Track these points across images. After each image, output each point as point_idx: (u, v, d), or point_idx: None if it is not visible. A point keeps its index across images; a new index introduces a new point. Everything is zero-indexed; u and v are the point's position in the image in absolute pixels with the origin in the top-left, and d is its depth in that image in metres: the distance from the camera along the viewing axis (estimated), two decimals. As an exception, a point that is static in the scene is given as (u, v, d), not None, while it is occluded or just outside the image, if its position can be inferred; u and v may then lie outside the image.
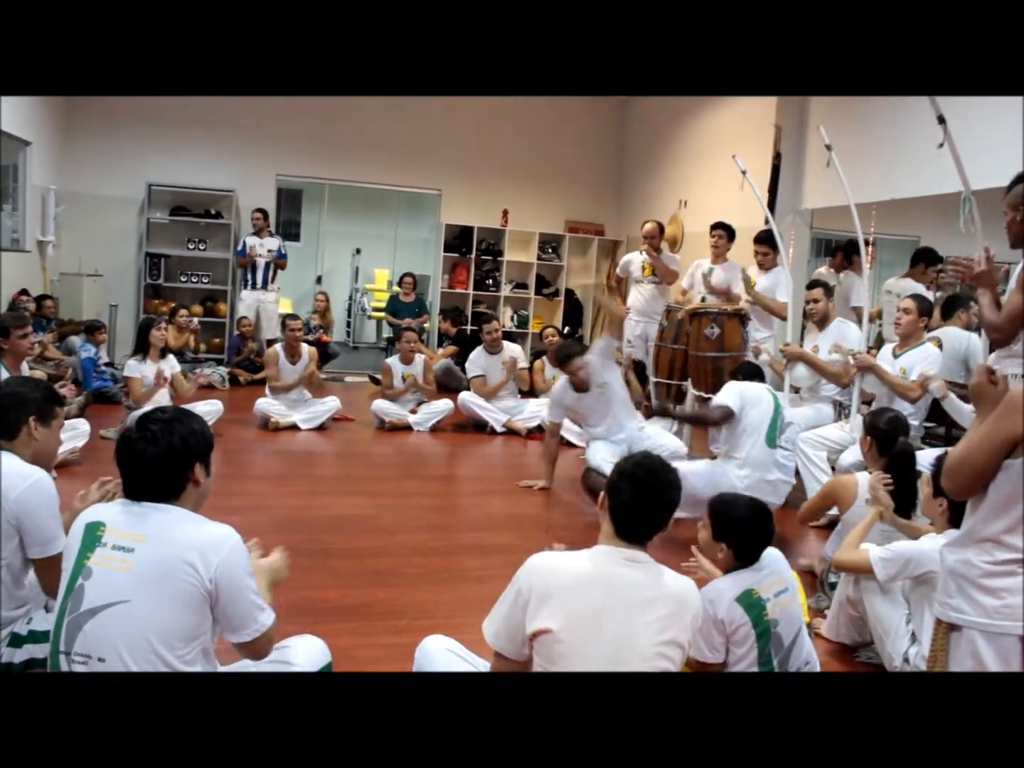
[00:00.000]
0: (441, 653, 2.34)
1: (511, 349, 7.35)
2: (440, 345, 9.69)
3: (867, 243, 6.19)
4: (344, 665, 2.65)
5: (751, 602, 2.47)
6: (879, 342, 6.63)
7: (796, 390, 5.48)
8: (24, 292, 7.74)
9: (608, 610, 1.92)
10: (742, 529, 2.55)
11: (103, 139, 8.97)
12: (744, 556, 2.56)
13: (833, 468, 4.86)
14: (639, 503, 2.01)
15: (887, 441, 3.55)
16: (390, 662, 2.83)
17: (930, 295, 6.14)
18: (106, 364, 7.53)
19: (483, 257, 10.44)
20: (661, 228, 7.30)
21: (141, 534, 1.89)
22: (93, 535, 1.92)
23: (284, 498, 4.83)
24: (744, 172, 5.53)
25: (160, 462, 1.94)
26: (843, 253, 7.05)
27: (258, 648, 2.02)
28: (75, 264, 8.74)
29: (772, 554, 2.60)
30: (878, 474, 3.33)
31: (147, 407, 5.78)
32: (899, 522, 3.18)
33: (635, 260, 7.33)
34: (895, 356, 4.87)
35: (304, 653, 2.32)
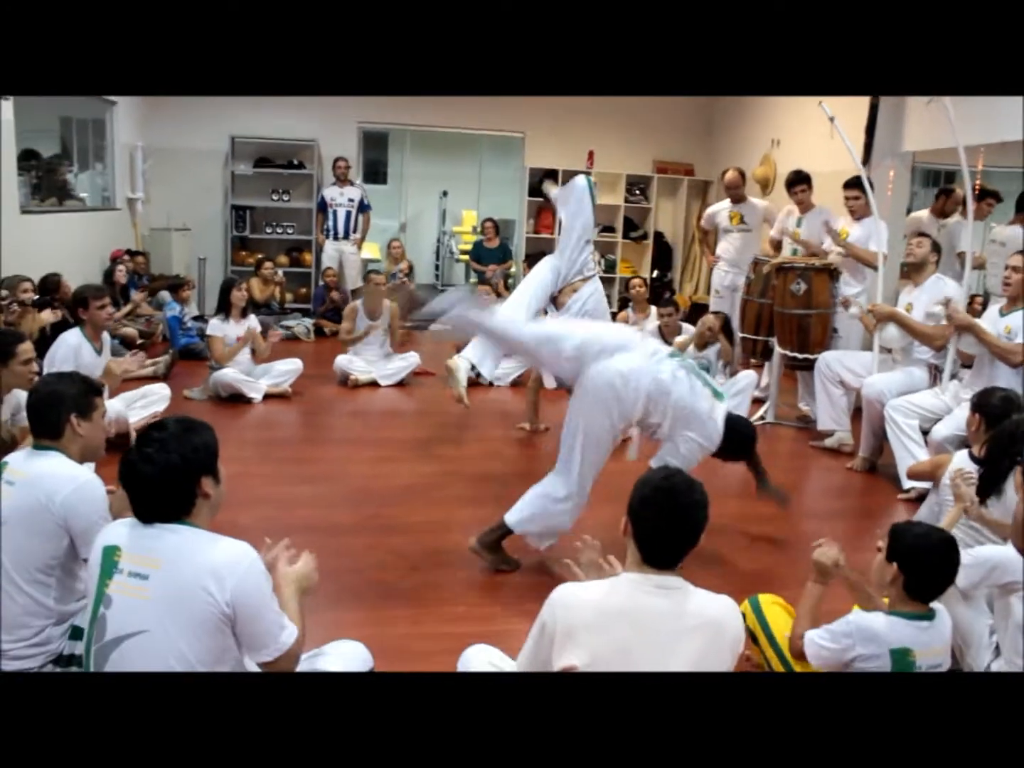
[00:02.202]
0: (482, 666, 2.28)
1: None
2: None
3: (974, 189, 5.77)
4: (394, 658, 2.62)
5: (904, 663, 2.28)
6: (986, 295, 6.21)
7: (887, 351, 5.17)
8: (129, 252, 7.93)
9: (638, 644, 1.81)
10: (920, 554, 2.32)
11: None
12: (916, 589, 2.34)
13: (925, 436, 4.58)
14: (664, 529, 1.88)
15: (999, 422, 3.18)
16: (441, 656, 2.77)
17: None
18: (195, 318, 7.67)
19: (568, 200, 10.17)
20: (743, 175, 6.96)
21: (155, 559, 1.86)
22: (110, 560, 1.90)
23: (357, 465, 4.84)
24: (832, 119, 5.14)
25: (162, 483, 1.89)
26: (947, 197, 6.58)
27: (281, 666, 1.98)
28: (164, 219, 8.89)
29: (943, 617, 2.41)
30: (959, 469, 3.08)
31: (232, 366, 5.93)
32: (987, 519, 2.94)
33: (721, 210, 7.08)
34: (1001, 315, 4.53)
35: (341, 661, 2.28)
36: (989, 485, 3.01)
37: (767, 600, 2.82)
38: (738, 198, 6.91)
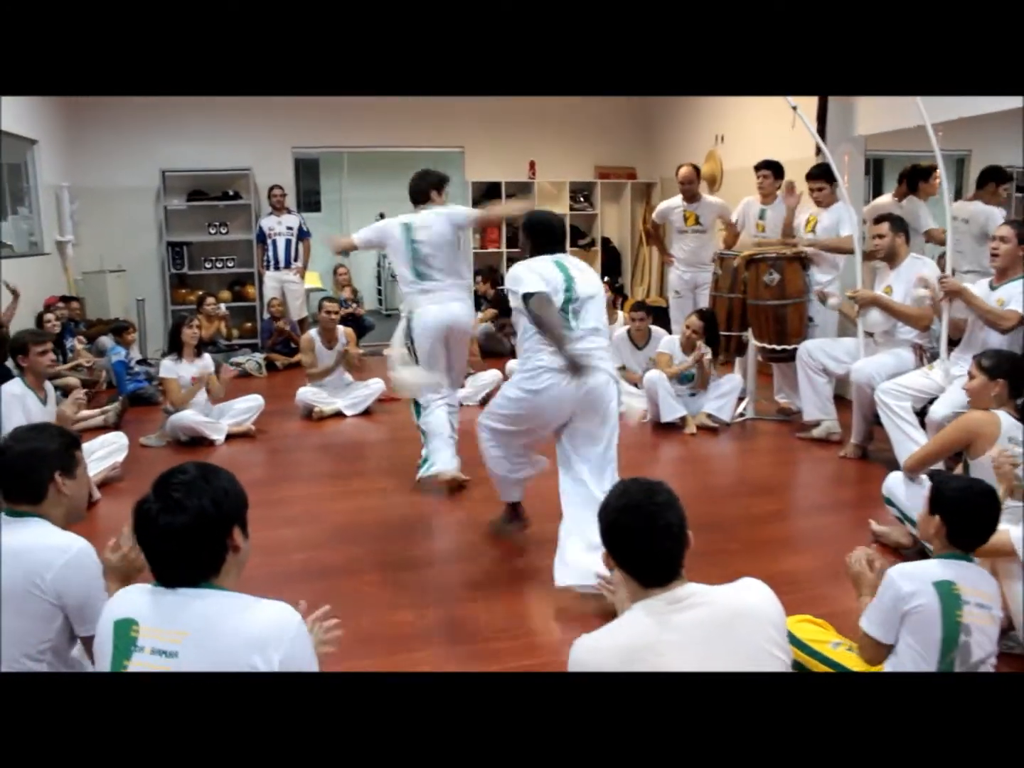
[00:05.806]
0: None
1: None
2: (478, 308, 9.33)
3: (932, 167, 5.77)
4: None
5: (949, 593, 2.27)
6: (952, 273, 6.20)
7: (869, 335, 5.10)
8: (63, 298, 7.50)
9: (679, 665, 1.65)
10: (962, 504, 2.36)
11: (111, 129, 8.63)
12: (959, 538, 2.38)
13: (920, 418, 4.51)
14: (644, 547, 1.76)
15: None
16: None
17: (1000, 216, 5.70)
18: (139, 362, 7.30)
19: (513, 213, 10.02)
20: (698, 172, 6.86)
21: (182, 631, 1.60)
22: (126, 637, 1.63)
23: (339, 500, 4.56)
24: (795, 108, 5.08)
25: (192, 535, 1.64)
26: (907, 180, 6.57)
27: None
28: (97, 261, 8.47)
29: (985, 573, 2.42)
30: (1001, 449, 2.97)
31: (188, 407, 5.58)
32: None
33: (675, 208, 6.88)
34: (992, 288, 4.49)
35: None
36: None
37: (794, 621, 2.66)
38: (692, 196, 6.74)
